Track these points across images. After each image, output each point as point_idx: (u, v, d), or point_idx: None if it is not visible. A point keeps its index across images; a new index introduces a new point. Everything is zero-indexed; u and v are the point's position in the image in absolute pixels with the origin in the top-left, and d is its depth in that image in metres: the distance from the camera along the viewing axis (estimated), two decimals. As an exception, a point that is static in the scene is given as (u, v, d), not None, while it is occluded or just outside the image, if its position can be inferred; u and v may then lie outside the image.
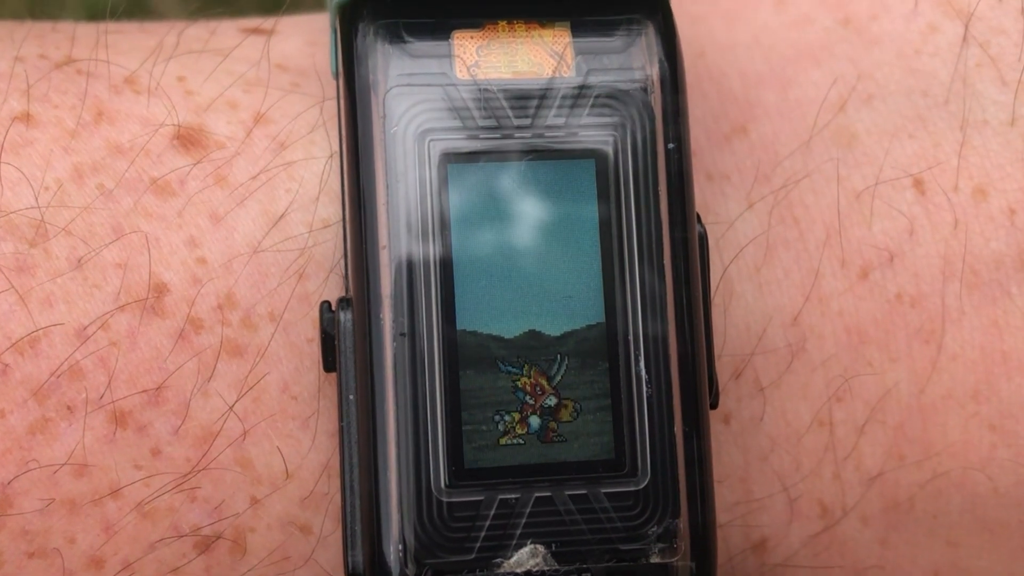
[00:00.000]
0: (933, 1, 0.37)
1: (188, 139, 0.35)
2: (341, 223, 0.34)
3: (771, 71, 0.37)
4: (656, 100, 0.33)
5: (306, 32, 0.38)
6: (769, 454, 0.36)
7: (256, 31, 0.38)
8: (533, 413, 0.32)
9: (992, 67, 0.36)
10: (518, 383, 0.32)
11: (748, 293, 0.36)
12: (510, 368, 0.32)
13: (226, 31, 0.38)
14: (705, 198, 0.36)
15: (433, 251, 0.32)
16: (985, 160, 0.36)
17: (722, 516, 0.36)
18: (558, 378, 0.32)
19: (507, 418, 0.32)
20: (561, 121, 0.33)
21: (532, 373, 0.32)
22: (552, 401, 0.32)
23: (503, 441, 0.32)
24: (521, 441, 0.32)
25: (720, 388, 0.35)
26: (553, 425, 0.32)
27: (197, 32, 0.38)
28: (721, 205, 0.36)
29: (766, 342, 0.36)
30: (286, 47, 0.37)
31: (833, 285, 0.36)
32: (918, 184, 0.36)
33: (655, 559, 0.32)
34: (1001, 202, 0.36)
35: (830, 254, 0.36)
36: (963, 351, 0.36)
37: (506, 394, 0.32)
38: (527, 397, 0.32)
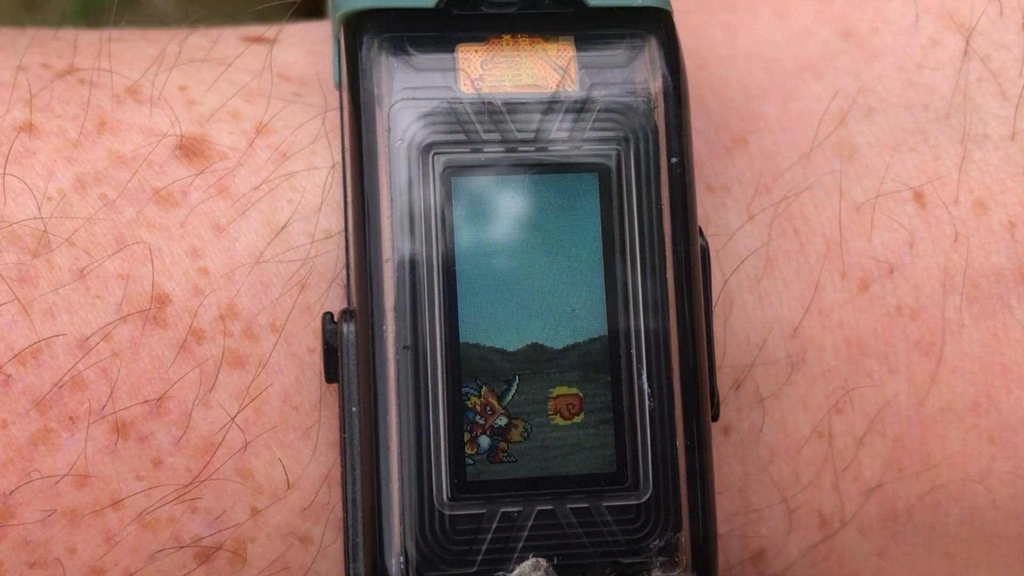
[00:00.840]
0: (934, 15, 0.37)
1: (190, 149, 0.34)
2: (343, 234, 0.34)
3: (772, 83, 0.37)
4: (659, 114, 0.33)
5: (307, 41, 0.38)
6: (768, 465, 0.36)
7: (258, 40, 0.38)
8: (482, 433, 0.32)
9: (993, 81, 0.37)
10: (468, 403, 0.32)
11: (748, 304, 0.36)
12: (467, 389, 0.32)
13: (228, 40, 0.38)
14: (705, 209, 0.36)
15: (436, 264, 0.32)
16: (985, 174, 0.36)
17: (721, 527, 0.36)
18: (508, 398, 0.32)
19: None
20: (564, 135, 0.33)
21: (484, 392, 0.32)
22: (503, 421, 0.32)
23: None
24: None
25: (720, 399, 0.35)
26: (503, 446, 0.32)
27: (199, 41, 0.38)
28: (721, 216, 0.36)
29: (766, 353, 0.36)
30: (287, 56, 0.37)
31: (833, 297, 0.36)
32: (919, 197, 0.36)
33: (657, 572, 0.32)
34: (1001, 216, 0.36)
35: (830, 266, 0.36)
36: (963, 364, 0.36)
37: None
38: (477, 417, 0.32)
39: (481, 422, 0.32)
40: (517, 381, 0.32)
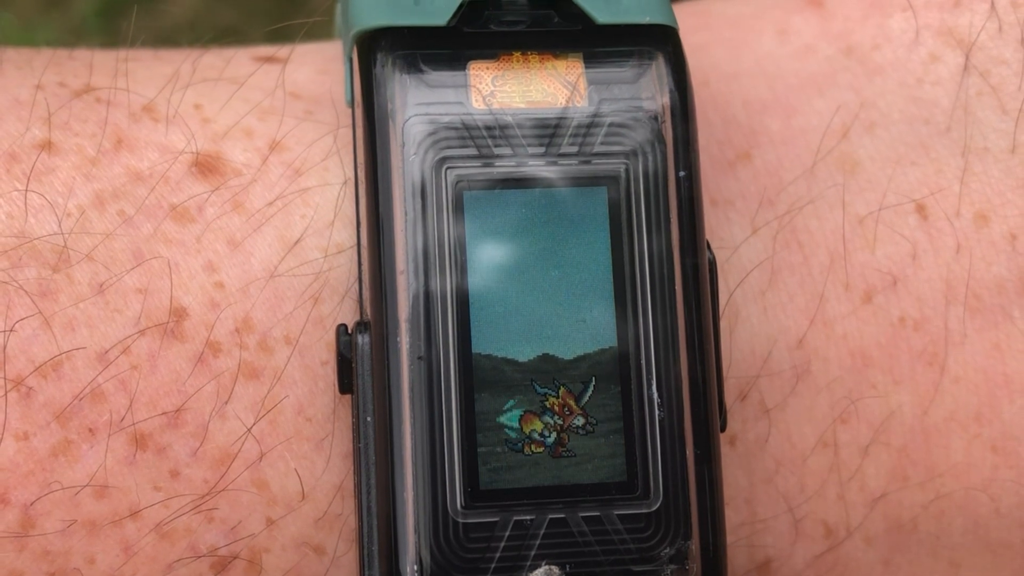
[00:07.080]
0: (934, 31, 0.38)
1: (206, 166, 0.35)
2: (355, 248, 0.35)
3: (775, 99, 0.38)
4: (667, 129, 0.34)
5: (318, 61, 0.39)
6: (774, 475, 0.36)
7: (270, 60, 0.38)
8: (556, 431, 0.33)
9: (993, 96, 0.37)
10: (547, 403, 0.33)
11: (753, 316, 0.36)
12: (546, 390, 0.33)
13: (240, 60, 0.38)
14: (710, 223, 0.36)
15: (449, 276, 0.32)
16: (986, 187, 0.36)
17: (727, 537, 0.36)
18: (584, 399, 0.33)
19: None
20: (574, 149, 0.33)
21: (562, 393, 0.33)
22: (580, 421, 0.33)
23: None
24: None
25: (727, 410, 0.35)
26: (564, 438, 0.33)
27: (212, 60, 0.38)
28: (725, 230, 0.37)
29: (771, 365, 0.36)
30: (299, 75, 0.38)
31: (837, 308, 0.36)
32: (920, 210, 0.36)
33: None
34: (1002, 227, 0.36)
35: (834, 278, 0.36)
36: (966, 374, 0.36)
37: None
38: (556, 418, 0.33)
39: (560, 422, 0.33)
40: (594, 383, 0.33)
